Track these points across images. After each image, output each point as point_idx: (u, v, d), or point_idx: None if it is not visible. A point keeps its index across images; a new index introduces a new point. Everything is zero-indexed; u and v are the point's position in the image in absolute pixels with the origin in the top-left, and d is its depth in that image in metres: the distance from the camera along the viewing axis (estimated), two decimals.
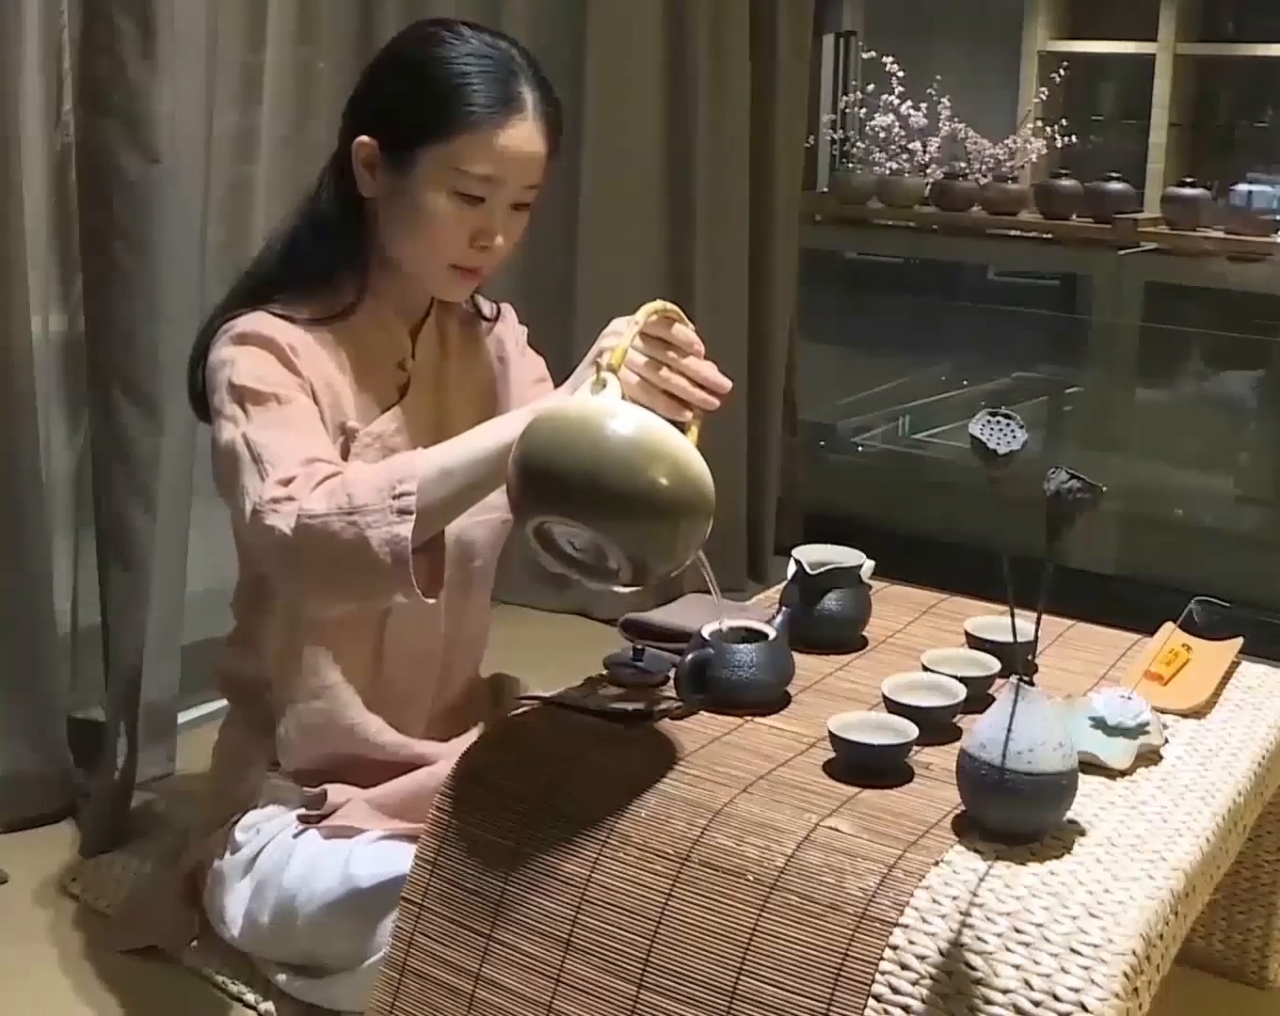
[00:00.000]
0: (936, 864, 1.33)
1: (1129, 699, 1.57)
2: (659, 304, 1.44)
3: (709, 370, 1.47)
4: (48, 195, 2.30)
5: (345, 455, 1.64)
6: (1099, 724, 1.55)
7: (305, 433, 1.54)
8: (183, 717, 2.50)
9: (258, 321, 1.62)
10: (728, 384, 1.47)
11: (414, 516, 1.38)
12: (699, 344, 1.47)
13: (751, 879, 1.35)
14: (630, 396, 1.40)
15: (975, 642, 1.75)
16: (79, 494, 2.42)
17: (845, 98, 4.15)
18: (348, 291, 1.68)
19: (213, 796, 1.86)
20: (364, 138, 1.63)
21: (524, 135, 1.60)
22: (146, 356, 2.25)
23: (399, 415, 1.71)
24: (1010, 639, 1.34)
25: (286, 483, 1.46)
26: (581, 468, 1.28)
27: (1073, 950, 1.23)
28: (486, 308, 1.87)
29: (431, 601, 1.44)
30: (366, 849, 1.67)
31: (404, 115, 1.60)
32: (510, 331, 1.89)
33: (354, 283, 1.68)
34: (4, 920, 2.03)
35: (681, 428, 1.42)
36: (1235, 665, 1.84)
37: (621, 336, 1.41)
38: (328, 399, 1.64)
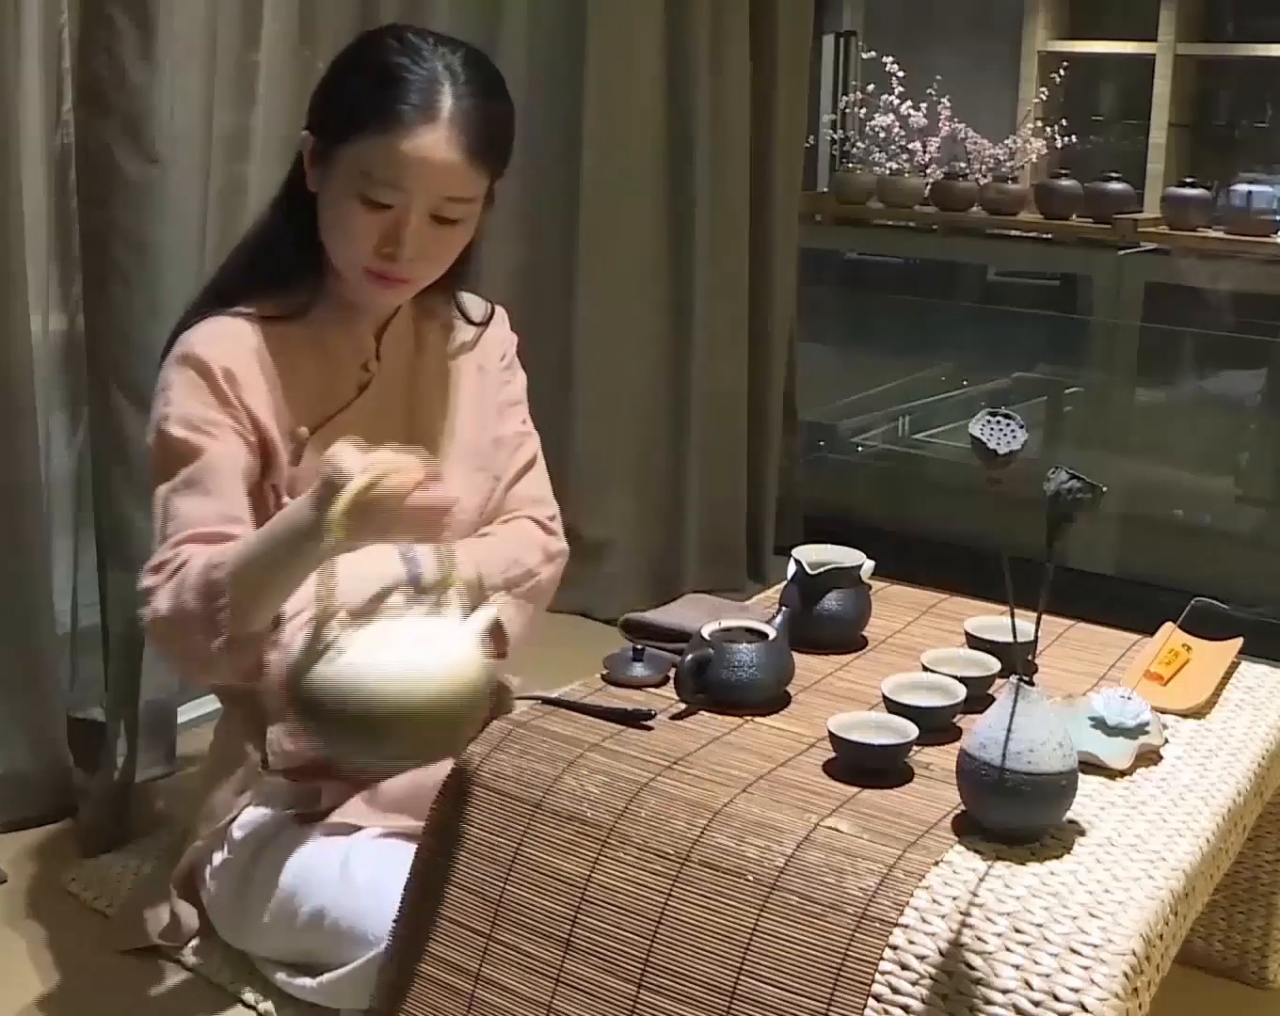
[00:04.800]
0: (936, 864, 1.33)
1: (1129, 699, 1.57)
2: (357, 486, 1.34)
3: (428, 501, 1.40)
4: (48, 195, 2.30)
5: (298, 459, 1.65)
6: (1099, 724, 1.55)
7: (214, 492, 1.58)
8: (182, 717, 2.50)
9: (208, 336, 1.63)
10: (451, 501, 1.42)
11: (227, 634, 1.47)
12: (410, 478, 1.38)
13: (751, 879, 1.35)
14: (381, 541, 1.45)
15: (975, 642, 1.75)
16: (79, 494, 2.42)
17: (845, 98, 4.14)
18: (304, 287, 1.69)
19: (207, 795, 1.86)
20: (305, 131, 1.65)
21: (431, 144, 1.57)
22: (146, 356, 2.24)
23: (351, 418, 1.69)
24: (1010, 639, 1.34)
25: (158, 569, 1.54)
26: (345, 737, 1.38)
27: (1073, 950, 1.23)
28: (476, 312, 1.85)
29: (255, 685, 1.56)
30: (365, 847, 1.67)
31: (330, 113, 1.62)
32: (497, 341, 1.86)
33: (309, 278, 1.68)
34: (4, 920, 2.03)
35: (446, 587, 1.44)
36: (1235, 665, 1.84)
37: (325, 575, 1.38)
38: (269, 413, 1.64)
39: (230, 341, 1.64)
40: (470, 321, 1.83)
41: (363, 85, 1.59)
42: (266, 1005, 1.81)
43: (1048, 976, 1.22)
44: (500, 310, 1.88)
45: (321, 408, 1.69)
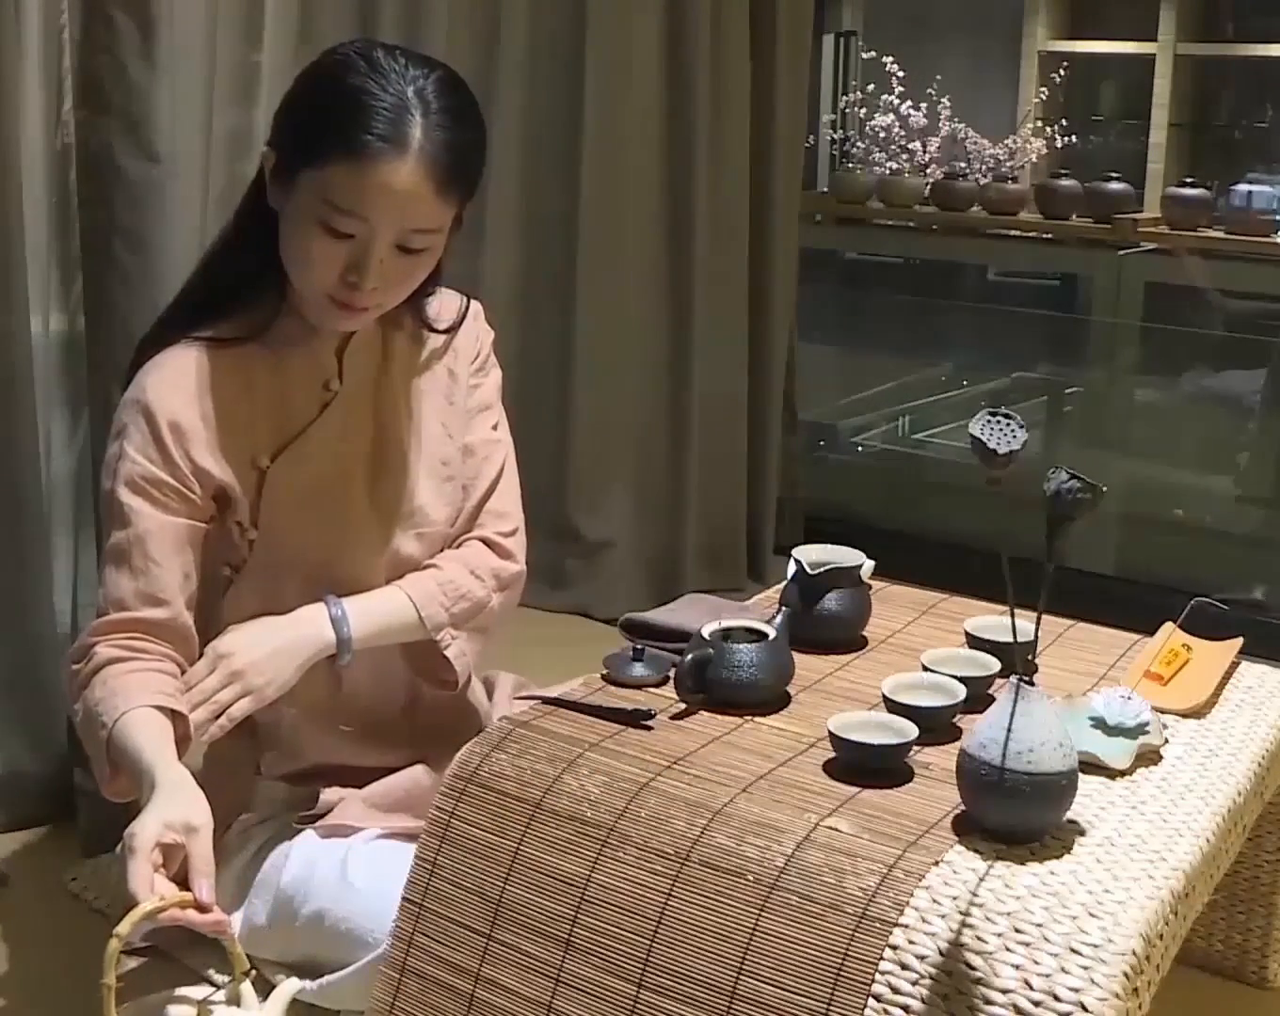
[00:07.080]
0: (936, 864, 1.33)
1: (1129, 699, 1.57)
2: (144, 910, 1.36)
3: (208, 927, 1.42)
4: (48, 195, 2.30)
5: (259, 491, 1.63)
6: (1099, 724, 1.55)
7: (138, 568, 1.58)
8: None
9: (159, 381, 1.59)
10: (225, 924, 1.43)
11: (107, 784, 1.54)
12: (187, 912, 1.40)
13: (751, 879, 1.35)
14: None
15: (975, 642, 1.75)
16: (79, 494, 2.41)
17: (845, 98, 4.15)
18: (265, 304, 1.64)
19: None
20: (266, 147, 1.60)
21: (398, 176, 1.51)
22: None
23: (315, 438, 1.67)
24: (1010, 639, 1.34)
25: (78, 657, 1.57)
26: None
27: (1073, 950, 1.23)
28: (449, 312, 1.78)
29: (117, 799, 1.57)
30: (364, 848, 1.67)
31: (292, 133, 1.56)
32: (470, 338, 1.80)
33: (271, 294, 1.64)
34: (4, 920, 2.04)
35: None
36: (1235, 665, 1.84)
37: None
38: (220, 459, 1.60)
39: (182, 386, 1.60)
40: (435, 330, 1.77)
41: (328, 109, 1.53)
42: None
43: (1048, 976, 1.22)
44: (475, 305, 1.82)
45: (284, 429, 1.65)
